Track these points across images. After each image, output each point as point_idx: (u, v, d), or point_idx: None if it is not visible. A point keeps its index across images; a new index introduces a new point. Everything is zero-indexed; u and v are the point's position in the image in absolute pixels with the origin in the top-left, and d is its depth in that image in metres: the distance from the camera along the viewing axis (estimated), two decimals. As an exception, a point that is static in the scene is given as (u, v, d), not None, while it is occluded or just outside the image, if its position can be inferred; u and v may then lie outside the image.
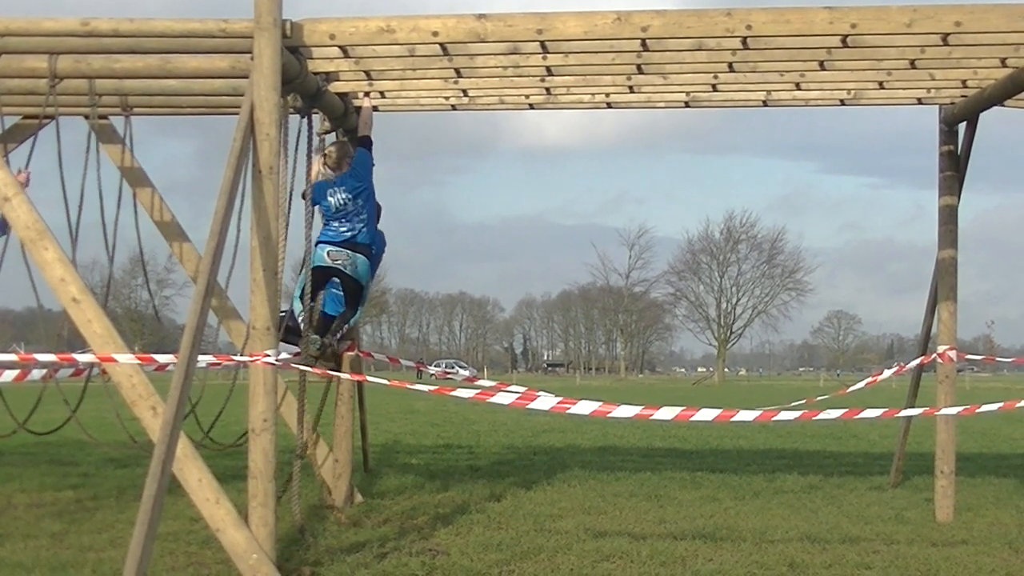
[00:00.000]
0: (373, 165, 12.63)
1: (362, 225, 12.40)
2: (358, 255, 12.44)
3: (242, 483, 10.32)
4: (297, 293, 12.52)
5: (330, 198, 12.33)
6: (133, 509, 9.28)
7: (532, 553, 11.12)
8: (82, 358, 11.16)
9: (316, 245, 12.35)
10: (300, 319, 12.28)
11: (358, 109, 12.94)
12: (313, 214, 12.23)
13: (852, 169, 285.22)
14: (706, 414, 10.08)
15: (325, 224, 12.49)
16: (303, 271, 12.18)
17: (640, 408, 10.22)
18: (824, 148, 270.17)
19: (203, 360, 10.73)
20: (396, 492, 14.53)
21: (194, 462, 9.77)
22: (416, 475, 16.94)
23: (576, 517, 13.18)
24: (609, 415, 10.19)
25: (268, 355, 10.08)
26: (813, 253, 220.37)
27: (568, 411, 10.45)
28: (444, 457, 20.39)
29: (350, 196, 12.32)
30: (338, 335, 12.79)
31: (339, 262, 12.36)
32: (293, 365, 11.25)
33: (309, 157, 12.02)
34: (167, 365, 11.10)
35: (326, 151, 12.54)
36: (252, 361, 10.13)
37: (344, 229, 12.37)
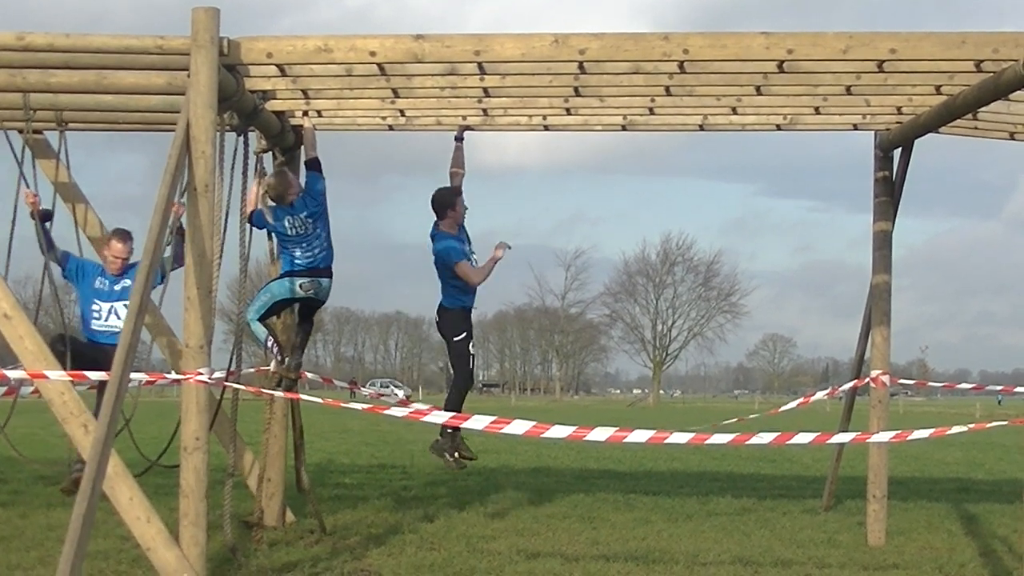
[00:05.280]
0: (325, 183, 12.64)
1: (321, 250, 12.45)
2: (322, 279, 12.50)
3: (174, 501, 10.25)
4: (254, 316, 12.58)
5: (287, 223, 12.33)
6: (63, 527, 9.19)
7: (465, 574, 11.12)
8: (13, 374, 11.07)
9: (283, 276, 12.51)
10: (269, 343, 12.43)
11: (295, 128, 12.92)
12: (251, 233, 12.21)
13: (802, 193, 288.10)
14: (639, 435, 10.09)
15: (284, 250, 12.50)
16: (260, 293, 12.35)
17: (574, 428, 10.21)
18: (777, 170, 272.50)
19: (136, 378, 10.68)
20: (329, 512, 14.45)
21: (125, 480, 9.72)
22: (349, 495, 16.90)
23: (509, 538, 13.17)
24: (543, 435, 10.18)
25: (201, 373, 10.04)
26: (751, 276, 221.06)
27: (501, 431, 10.45)
28: (378, 477, 20.34)
29: (309, 220, 12.34)
30: (302, 351, 12.88)
31: (311, 292, 12.44)
32: (227, 383, 11.21)
33: (245, 175, 11.99)
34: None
35: (268, 184, 12.48)
36: (185, 379, 10.08)
37: (308, 256, 12.41)
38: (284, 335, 13.10)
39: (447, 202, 12.94)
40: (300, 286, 12.44)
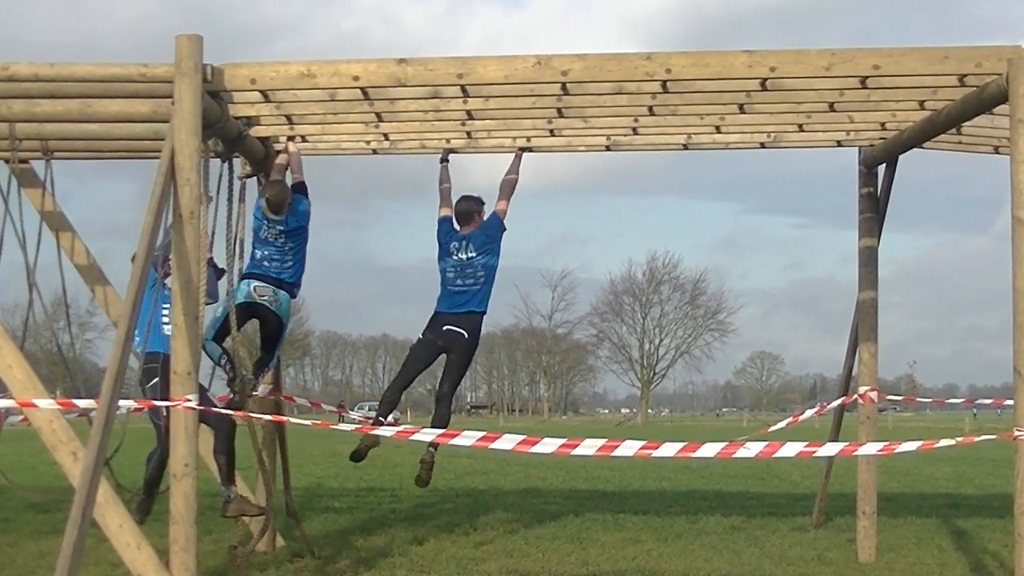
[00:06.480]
0: (311, 206, 12.63)
1: (289, 265, 12.38)
2: (282, 291, 12.38)
3: (164, 528, 10.24)
4: (209, 335, 12.08)
5: (263, 227, 12.31)
6: (53, 554, 9.19)
7: (455, 596, 11.13)
8: (1, 403, 11.06)
9: (241, 280, 12.30)
10: (223, 361, 12.21)
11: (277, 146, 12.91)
12: (236, 255, 12.18)
13: (790, 210, 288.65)
14: (627, 448, 10.08)
15: (253, 249, 12.42)
16: (213, 314, 12.11)
17: (563, 442, 10.21)
18: (764, 187, 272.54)
19: (124, 405, 10.66)
20: (318, 536, 14.45)
21: (115, 507, 9.73)
22: (338, 519, 16.88)
23: (499, 560, 13.16)
24: (531, 450, 10.18)
25: (189, 399, 10.03)
26: (740, 294, 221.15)
27: (491, 446, 10.45)
28: (367, 500, 20.31)
29: (282, 236, 12.29)
30: (258, 379, 12.75)
31: (265, 298, 12.30)
32: (215, 409, 11.19)
33: (230, 201, 11.99)
34: (89, 411, 11.02)
35: (267, 196, 12.41)
36: (174, 405, 10.07)
37: (272, 266, 12.31)
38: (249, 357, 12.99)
39: (473, 209, 12.74)
40: (255, 289, 12.26)
